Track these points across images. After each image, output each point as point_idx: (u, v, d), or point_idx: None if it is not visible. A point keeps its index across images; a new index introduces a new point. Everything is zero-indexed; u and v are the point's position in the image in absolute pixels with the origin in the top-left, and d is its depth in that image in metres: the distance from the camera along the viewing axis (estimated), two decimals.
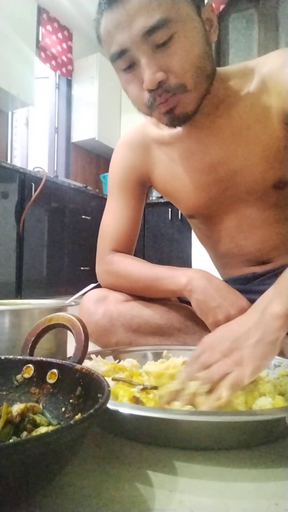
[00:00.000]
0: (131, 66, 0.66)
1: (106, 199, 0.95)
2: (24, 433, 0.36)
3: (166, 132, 0.84)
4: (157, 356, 0.66)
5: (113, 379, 0.49)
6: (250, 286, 0.82)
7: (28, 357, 0.46)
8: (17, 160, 3.63)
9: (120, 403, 0.42)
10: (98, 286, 0.88)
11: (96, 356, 0.59)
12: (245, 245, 0.85)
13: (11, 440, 0.35)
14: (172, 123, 0.71)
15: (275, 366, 0.59)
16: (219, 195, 0.82)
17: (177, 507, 0.31)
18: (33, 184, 2.84)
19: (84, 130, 4.10)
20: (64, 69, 4.00)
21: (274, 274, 0.82)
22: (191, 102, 0.68)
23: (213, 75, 0.72)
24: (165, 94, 0.65)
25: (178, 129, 0.81)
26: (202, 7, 0.67)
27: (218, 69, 0.75)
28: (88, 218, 3.42)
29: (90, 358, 0.58)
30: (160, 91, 0.65)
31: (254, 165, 0.76)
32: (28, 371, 0.44)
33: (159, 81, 0.63)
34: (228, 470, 0.36)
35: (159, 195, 3.64)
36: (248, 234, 0.83)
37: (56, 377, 0.42)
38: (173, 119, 0.70)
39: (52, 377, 0.42)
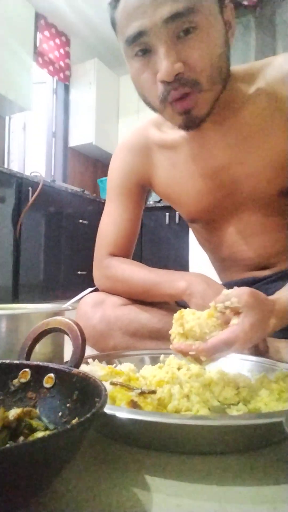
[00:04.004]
0: (146, 54, 0.64)
1: (103, 203, 0.95)
2: (21, 438, 0.36)
3: (169, 135, 0.83)
4: (155, 360, 0.66)
5: (111, 383, 0.48)
6: None
7: (25, 362, 0.45)
8: (14, 164, 3.63)
9: (118, 407, 0.42)
10: (96, 290, 0.88)
11: (93, 360, 0.59)
12: (246, 250, 0.84)
13: (7, 445, 0.34)
14: (187, 125, 0.69)
15: (272, 370, 0.59)
16: (221, 201, 0.81)
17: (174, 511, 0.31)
18: (30, 189, 2.84)
19: (82, 135, 4.11)
20: (61, 75, 4.01)
21: (274, 279, 0.82)
22: (206, 103, 0.66)
23: (228, 78, 0.70)
24: (180, 88, 0.63)
25: (181, 133, 0.80)
26: (224, 8, 0.66)
27: None
28: (86, 222, 3.42)
29: (87, 363, 0.57)
30: (176, 84, 0.62)
31: (259, 172, 0.75)
32: (25, 376, 0.43)
33: (177, 74, 0.61)
34: (226, 474, 0.36)
35: (157, 200, 3.64)
36: (250, 240, 0.83)
37: (53, 382, 0.42)
38: (189, 121, 0.67)
39: (49, 381, 0.42)
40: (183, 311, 0.53)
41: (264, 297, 0.55)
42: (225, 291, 0.53)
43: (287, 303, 0.58)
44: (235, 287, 0.54)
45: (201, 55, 0.62)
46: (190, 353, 0.50)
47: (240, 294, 0.52)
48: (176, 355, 0.62)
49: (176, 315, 0.53)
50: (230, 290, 0.53)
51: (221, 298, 0.53)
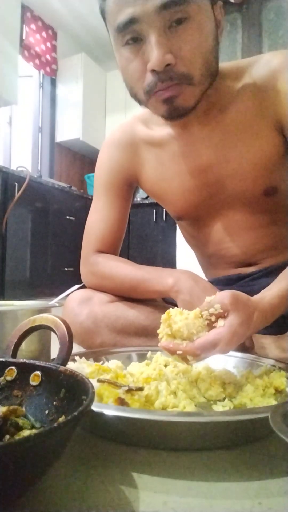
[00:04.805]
0: (136, 42, 0.63)
1: (90, 199, 0.94)
2: (7, 437, 0.35)
3: (156, 132, 0.83)
4: (142, 357, 0.66)
5: (98, 381, 0.48)
6: (234, 288, 0.83)
7: (10, 359, 0.45)
8: None
9: (105, 405, 0.42)
10: (83, 287, 0.87)
11: (80, 357, 0.59)
12: (231, 247, 0.85)
13: None
14: (170, 114, 0.68)
15: (258, 366, 0.59)
16: (207, 199, 0.81)
17: (161, 508, 0.31)
18: (16, 184, 2.80)
19: (69, 130, 4.07)
20: (48, 68, 3.96)
21: (258, 276, 0.83)
22: (193, 96, 0.66)
23: (216, 75, 0.70)
24: (168, 82, 0.63)
25: (168, 130, 0.80)
26: (214, 6, 0.66)
27: None
28: (72, 218, 3.39)
29: (74, 360, 0.57)
30: (165, 76, 0.62)
31: (245, 171, 0.75)
32: (11, 374, 0.43)
33: (167, 64, 0.61)
34: (212, 470, 0.37)
35: (144, 196, 3.64)
36: (235, 237, 0.84)
37: (40, 379, 0.41)
38: (172, 109, 0.67)
39: (35, 379, 0.42)
40: (171, 311, 0.53)
41: (247, 298, 0.56)
42: (208, 298, 0.54)
43: (270, 303, 0.59)
44: (218, 293, 0.54)
45: (192, 47, 0.62)
46: (178, 352, 0.50)
47: (222, 299, 0.52)
48: (163, 353, 0.62)
49: (164, 316, 0.53)
50: (213, 297, 0.54)
51: (205, 305, 0.53)
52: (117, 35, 0.65)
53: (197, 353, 0.50)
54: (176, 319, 0.52)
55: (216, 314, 0.52)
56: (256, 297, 0.59)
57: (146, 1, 0.59)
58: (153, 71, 0.62)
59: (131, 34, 0.63)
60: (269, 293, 0.60)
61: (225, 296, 0.53)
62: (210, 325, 0.53)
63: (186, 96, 0.66)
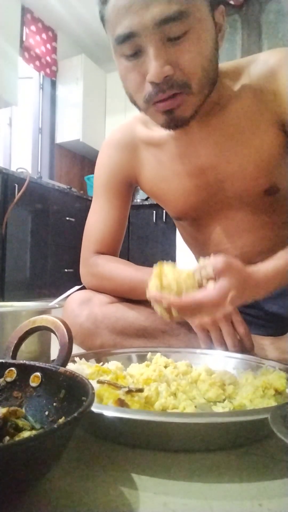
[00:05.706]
0: (135, 54, 0.62)
1: (90, 200, 0.94)
2: (7, 438, 0.35)
3: (156, 133, 0.82)
4: (142, 358, 0.66)
5: (98, 382, 0.48)
6: None
7: (10, 360, 0.45)
8: None
9: (105, 406, 0.42)
10: (83, 288, 0.87)
11: (80, 358, 0.59)
12: (231, 248, 0.84)
13: None
14: (168, 125, 0.68)
15: (258, 367, 0.59)
16: (207, 199, 0.81)
17: (161, 510, 0.31)
18: (16, 185, 2.80)
19: (69, 131, 4.07)
20: (48, 70, 3.97)
21: None
22: (192, 106, 0.66)
23: (215, 82, 0.70)
24: (169, 90, 0.62)
25: (168, 131, 0.80)
26: (215, 10, 0.65)
27: None
28: (72, 219, 3.39)
29: (74, 361, 0.57)
30: (165, 86, 0.62)
31: (246, 171, 0.75)
32: (11, 375, 0.43)
33: (166, 76, 0.61)
34: (212, 471, 0.37)
35: (144, 198, 3.64)
36: (236, 238, 0.83)
37: (40, 380, 0.41)
38: (171, 120, 0.67)
39: (35, 380, 0.42)
40: (164, 265, 0.54)
41: (241, 265, 0.57)
42: (202, 262, 0.54)
43: (265, 274, 0.60)
44: (212, 256, 0.55)
45: (192, 58, 0.62)
46: (164, 301, 0.50)
47: (215, 263, 0.53)
48: (163, 354, 0.62)
49: (156, 270, 0.53)
50: (207, 260, 0.54)
51: (198, 268, 0.54)
52: (116, 46, 0.64)
53: (182, 306, 0.50)
54: (168, 273, 0.52)
55: (208, 277, 0.52)
56: (251, 267, 0.60)
57: (144, 14, 0.58)
58: (152, 82, 0.62)
59: (130, 47, 0.62)
60: (265, 266, 0.61)
61: (219, 260, 0.54)
62: (201, 288, 0.53)
63: (186, 107, 0.65)
